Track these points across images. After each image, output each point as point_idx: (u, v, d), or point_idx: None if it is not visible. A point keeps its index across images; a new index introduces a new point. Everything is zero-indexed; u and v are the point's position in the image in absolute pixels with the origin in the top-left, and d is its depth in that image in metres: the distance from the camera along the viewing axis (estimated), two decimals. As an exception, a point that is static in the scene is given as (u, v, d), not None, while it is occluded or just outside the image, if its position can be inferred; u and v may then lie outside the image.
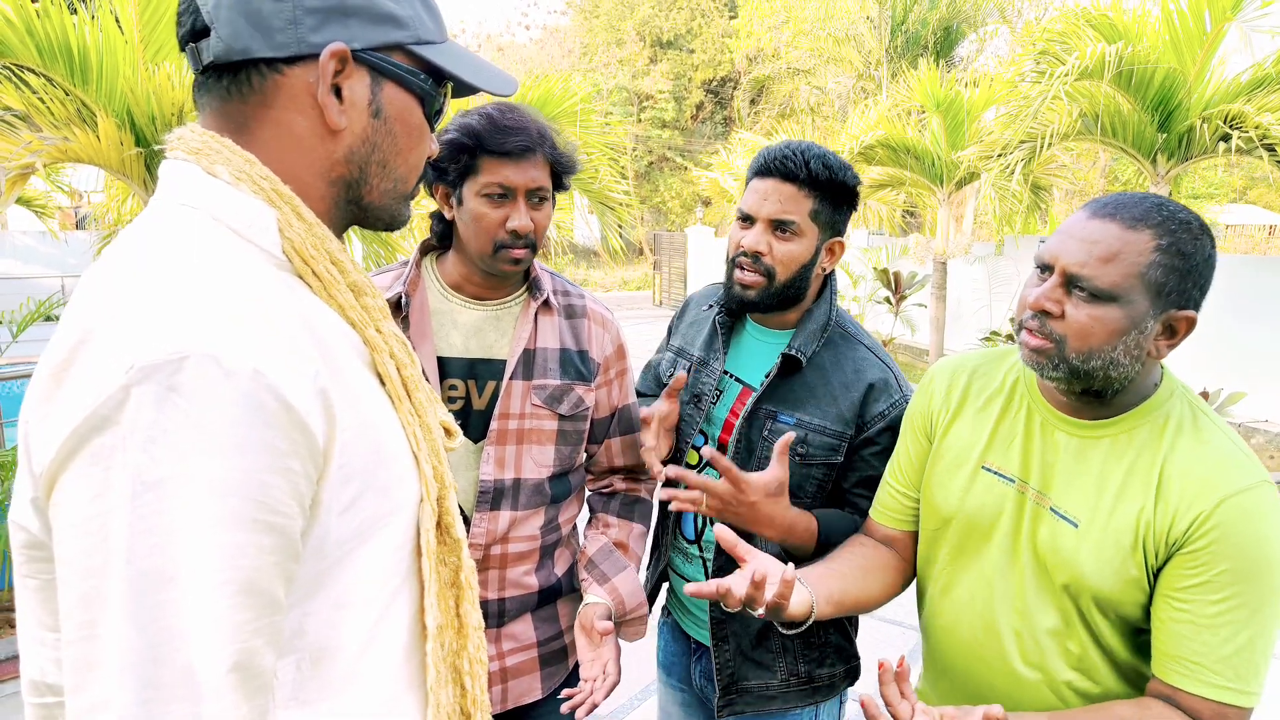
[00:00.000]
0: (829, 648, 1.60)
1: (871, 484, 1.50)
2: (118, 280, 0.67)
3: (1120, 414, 1.18)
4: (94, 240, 7.83)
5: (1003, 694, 1.25)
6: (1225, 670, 1.07)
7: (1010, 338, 8.67)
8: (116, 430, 0.59)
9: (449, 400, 1.47)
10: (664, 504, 1.65)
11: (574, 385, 1.51)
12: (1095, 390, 1.15)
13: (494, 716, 1.53)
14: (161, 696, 0.58)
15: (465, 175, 1.41)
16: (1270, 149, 6.14)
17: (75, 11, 3.59)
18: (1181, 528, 1.09)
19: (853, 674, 1.65)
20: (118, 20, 3.73)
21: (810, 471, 1.50)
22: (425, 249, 1.55)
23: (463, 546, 0.87)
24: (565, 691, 1.41)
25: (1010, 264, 10.87)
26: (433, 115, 0.86)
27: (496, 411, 1.45)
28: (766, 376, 1.53)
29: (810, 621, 1.22)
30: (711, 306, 1.67)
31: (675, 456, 1.64)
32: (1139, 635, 1.18)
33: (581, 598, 1.63)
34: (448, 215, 1.48)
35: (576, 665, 1.62)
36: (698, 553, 1.62)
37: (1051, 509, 1.19)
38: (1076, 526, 1.16)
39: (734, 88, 24.76)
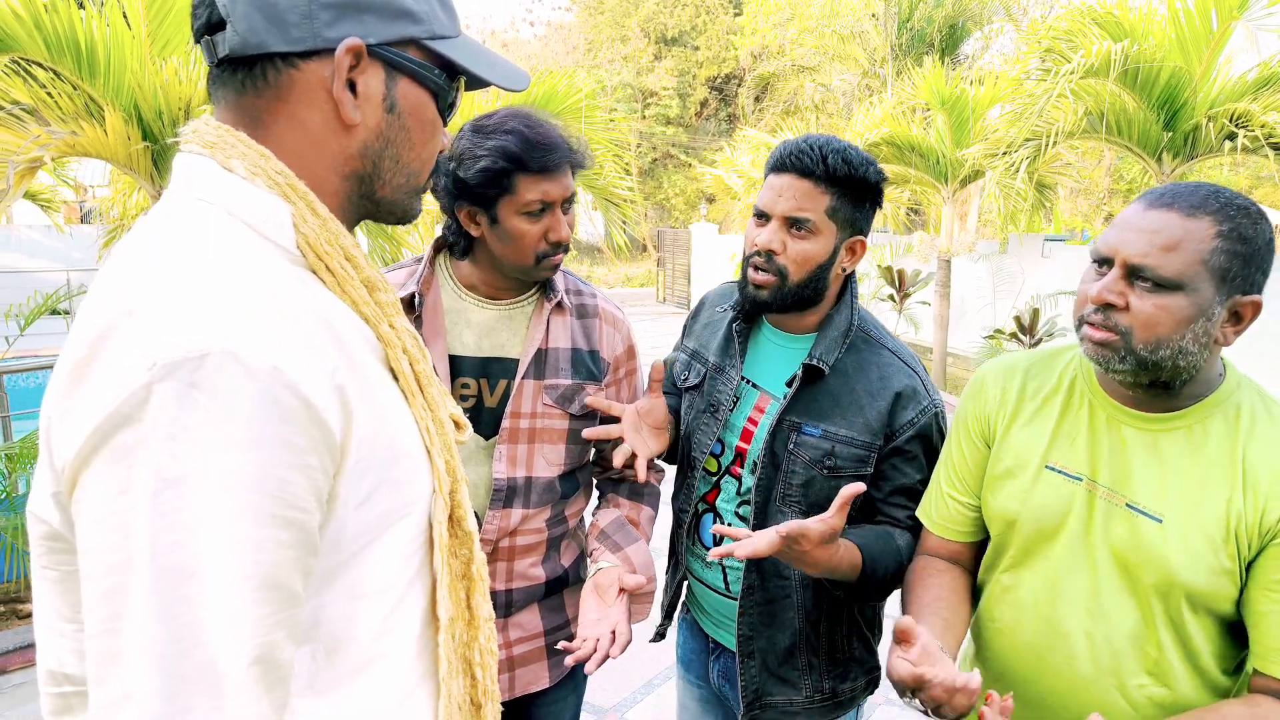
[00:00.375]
0: (852, 662, 1.57)
1: (904, 492, 1.47)
2: (137, 275, 0.67)
3: (1189, 405, 1.17)
4: (99, 234, 7.84)
5: (1067, 698, 1.22)
6: None
7: (1014, 336, 8.66)
8: (139, 427, 0.60)
9: (461, 399, 1.48)
10: (679, 512, 1.65)
11: (585, 385, 1.52)
12: (1164, 381, 1.14)
13: (501, 705, 1.54)
14: (185, 689, 0.59)
15: (500, 196, 1.39)
16: (1276, 148, 6.12)
17: (83, 6, 3.60)
18: (1275, 516, 1.09)
19: (873, 684, 1.62)
20: (125, 15, 3.74)
21: (839, 484, 1.42)
22: (439, 246, 1.56)
23: (474, 539, 0.88)
24: (563, 645, 1.36)
25: (1014, 262, 10.85)
26: (446, 110, 0.86)
27: (508, 410, 1.46)
28: (788, 387, 1.48)
29: None
30: (728, 309, 1.62)
31: (689, 464, 1.60)
32: (1229, 634, 1.16)
33: None
34: (474, 234, 1.46)
35: None
36: (717, 561, 1.59)
37: (1128, 505, 1.17)
38: (1160, 522, 1.14)
39: (738, 85, 24.71)
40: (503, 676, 1.52)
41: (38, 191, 10.07)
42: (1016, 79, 7.43)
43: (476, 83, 0.87)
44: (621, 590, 1.39)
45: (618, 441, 1.56)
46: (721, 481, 1.57)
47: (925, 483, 1.46)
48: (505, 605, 1.51)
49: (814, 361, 1.45)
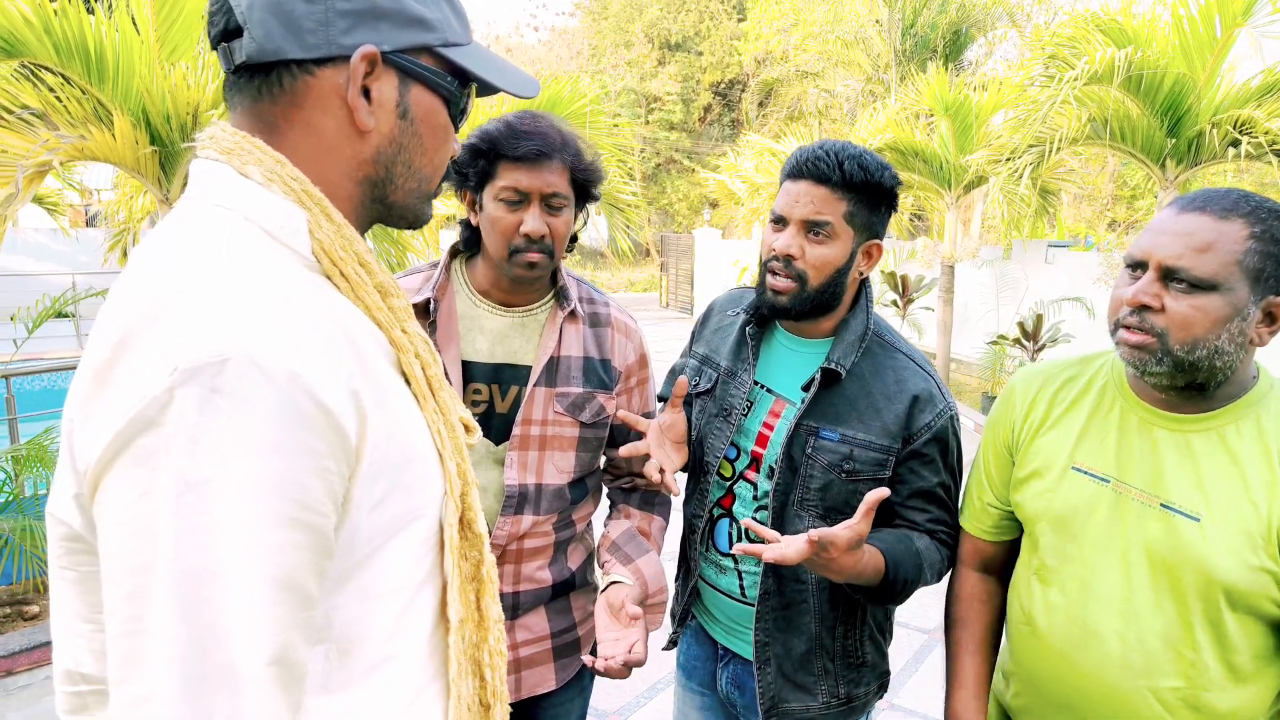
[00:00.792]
0: (866, 666, 1.58)
1: (922, 495, 1.48)
2: (157, 280, 0.68)
3: (1223, 406, 1.18)
4: (105, 238, 7.88)
5: (1097, 700, 1.23)
6: None
7: (1017, 342, 8.66)
8: (161, 431, 0.60)
9: (472, 404, 1.48)
10: (691, 518, 1.64)
11: (596, 393, 1.53)
12: (1199, 383, 1.16)
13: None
14: (205, 689, 0.60)
15: (485, 181, 1.43)
16: (1280, 155, 6.13)
17: (92, 11, 3.63)
18: None
19: (883, 688, 1.64)
20: (134, 20, 3.76)
21: (857, 488, 1.44)
22: (455, 252, 1.57)
23: (484, 542, 0.89)
24: (586, 658, 1.36)
25: (1018, 268, 10.84)
26: (457, 116, 0.88)
27: (519, 417, 1.47)
28: (804, 391, 1.48)
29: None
30: (739, 313, 1.62)
31: (702, 469, 1.60)
32: (1270, 635, 1.16)
33: (594, 589, 1.64)
34: (473, 221, 1.50)
35: None
36: (733, 565, 1.58)
37: (1163, 505, 1.18)
38: (1198, 521, 1.15)
39: (742, 90, 24.74)
40: (509, 678, 1.52)
41: (44, 195, 10.11)
42: (1020, 85, 7.43)
43: (487, 89, 0.88)
44: (634, 618, 1.35)
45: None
46: (736, 486, 1.57)
47: (942, 486, 1.48)
48: (512, 608, 1.52)
49: (832, 365, 1.45)
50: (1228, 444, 1.17)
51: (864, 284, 1.55)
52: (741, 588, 1.57)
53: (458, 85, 0.85)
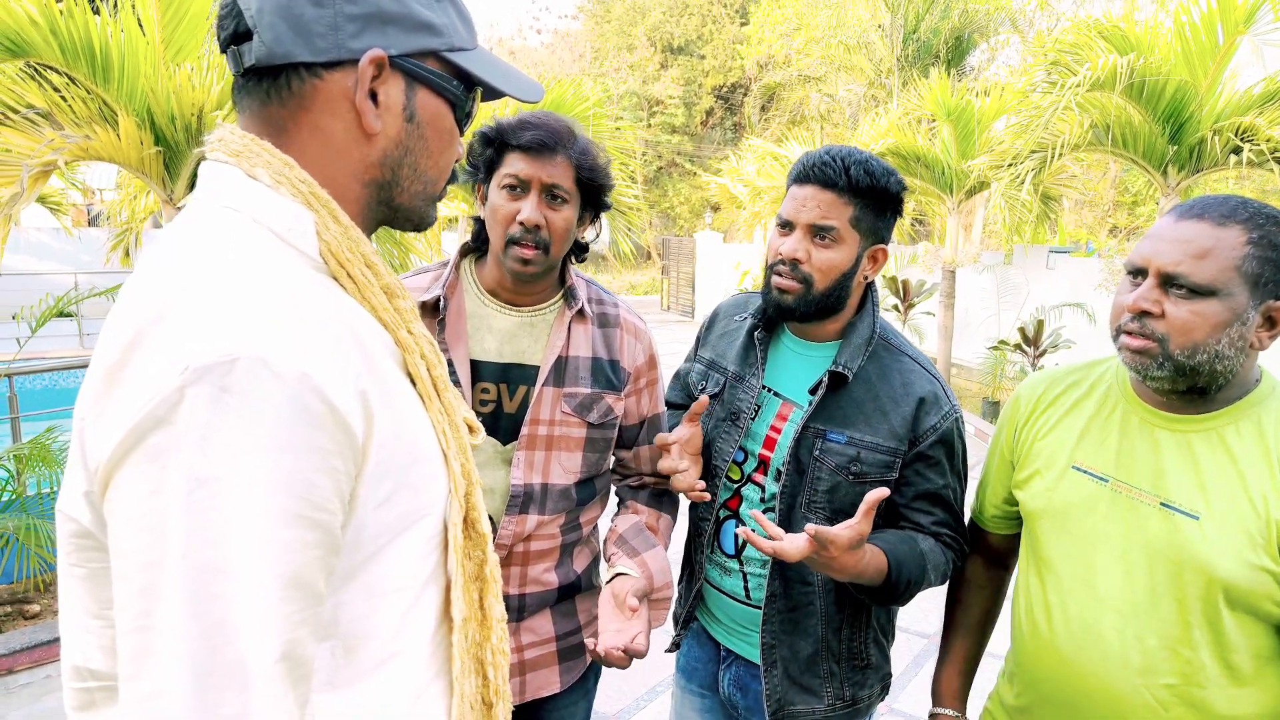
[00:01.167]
0: (870, 668, 1.59)
1: (928, 497, 1.49)
2: (167, 281, 0.69)
3: (1223, 408, 1.20)
4: (107, 237, 7.89)
5: (1097, 699, 1.24)
6: None
7: (1018, 347, 8.66)
8: (172, 429, 0.61)
9: (480, 403, 1.48)
10: (698, 520, 1.65)
11: (604, 394, 1.53)
12: (1200, 387, 1.18)
13: (513, 708, 1.54)
14: (214, 684, 0.60)
15: (491, 170, 1.46)
16: (1281, 162, 6.14)
17: (98, 12, 3.64)
18: None
19: (885, 690, 1.65)
20: (139, 21, 3.78)
21: (864, 490, 1.43)
22: (465, 251, 1.58)
23: (488, 541, 0.90)
24: (588, 641, 1.35)
25: (1019, 273, 10.86)
26: (463, 119, 0.89)
27: (527, 417, 1.47)
28: (812, 394, 1.49)
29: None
30: (746, 318, 1.63)
31: (710, 472, 1.61)
32: (1269, 635, 1.17)
33: (599, 591, 1.64)
34: (481, 213, 1.50)
35: (594, 661, 1.63)
36: (738, 567, 1.59)
37: (1163, 504, 1.20)
38: (1198, 519, 1.16)
39: (744, 94, 24.78)
40: (514, 680, 1.52)
41: (47, 195, 10.14)
42: (1022, 91, 7.45)
43: (492, 94, 0.89)
44: (634, 609, 1.35)
45: (649, 454, 1.65)
46: (743, 489, 1.58)
47: (948, 488, 1.50)
48: (518, 609, 1.52)
49: (839, 368, 1.47)
50: (1228, 444, 1.18)
51: (869, 288, 1.56)
52: (746, 590, 1.58)
53: (463, 89, 0.86)
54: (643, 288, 22.86)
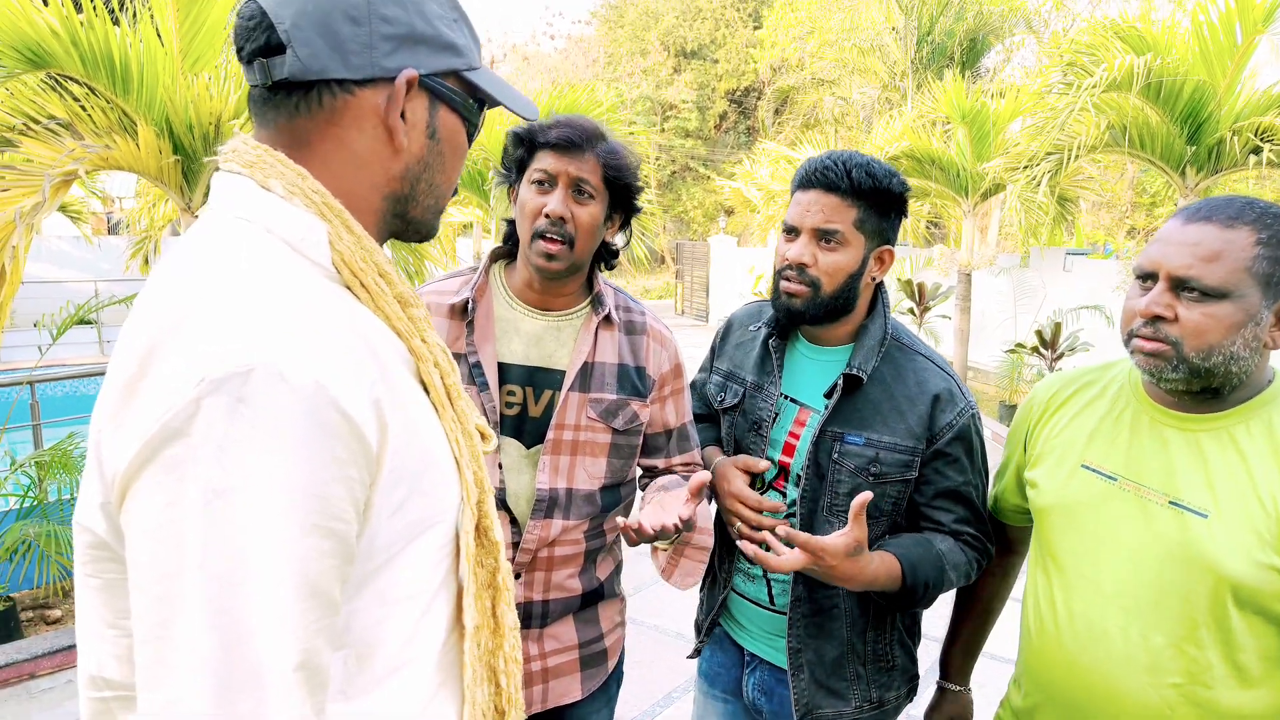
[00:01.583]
0: (896, 670, 1.59)
1: (947, 495, 1.49)
2: (182, 292, 0.69)
3: (1234, 408, 1.20)
4: (127, 245, 7.99)
5: (1102, 698, 1.23)
6: None
7: (1035, 350, 8.60)
8: (188, 441, 0.62)
9: (506, 405, 1.49)
10: (722, 530, 1.65)
11: (629, 400, 1.53)
12: (1214, 388, 1.18)
13: (534, 715, 1.55)
14: (233, 694, 0.61)
15: (522, 169, 1.49)
16: (1302, 162, 6.07)
17: (118, 23, 3.69)
18: None
19: (912, 692, 1.65)
20: (158, 31, 3.82)
21: (885, 490, 1.47)
22: (495, 256, 1.60)
23: (500, 549, 0.90)
24: (621, 521, 1.40)
25: (1036, 276, 10.78)
26: (472, 135, 0.91)
27: (553, 422, 1.48)
28: (827, 397, 1.50)
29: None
30: (761, 328, 1.65)
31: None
32: (1277, 635, 1.15)
33: (622, 600, 1.65)
34: (513, 213, 1.53)
35: (615, 668, 1.65)
36: (761, 573, 1.60)
37: (1172, 503, 1.19)
38: (1206, 517, 1.16)
39: (758, 98, 24.77)
40: (536, 687, 1.52)
41: (68, 203, 10.28)
42: (1038, 92, 7.40)
43: (491, 106, 0.92)
44: (692, 498, 1.34)
45: (681, 464, 1.66)
46: (765, 496, 1.59)
47: (968, 485, 1.51)
48: (541, 615, 1.52)
49: (853, 371, 1.48)
50: (1238, 443, 1.18)
51: (879, 289, 1.57)
52: (771, 596, 1.58)
53: (477, 107, 0.89)
54: (656, 292, 22.87)
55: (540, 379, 1.50)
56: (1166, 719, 1.18)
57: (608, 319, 1.54)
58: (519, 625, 0.94)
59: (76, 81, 3.64)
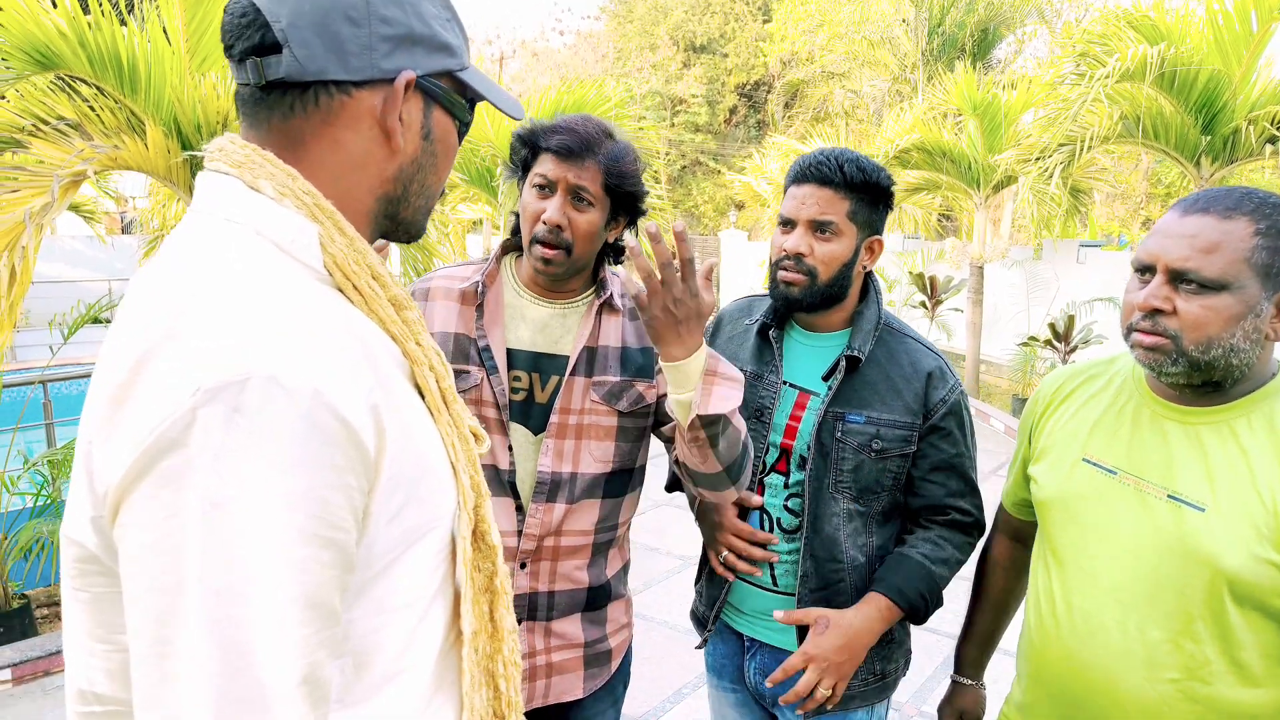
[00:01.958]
0: (894, 643, 1.65)
1: (942, 468, 1.57)
2: (173, 298, 0.68)
3: (1236, 400, 1.19)
4: (139, 245, 8.03)
5: (1100, 694, 1.23)
6: None
7: (1048, 343, 8.54)
8: (185, 452, 0.60)
9: (514, 390, 1.52)
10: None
11: (634, 382, 1.54)
12: (1215, 381, 1.17)
13: (535, 711, 1.56)
14: (236, 710, 0.59)
15: (526, 169, 1.52)
16: (1319, 152, 5.99)
17: (125, 23, 3.69)
18: None
19: (906, 664, 1.71)
20: (165, 31, 3.82)
21: (886, 465, 1.56)
22: (507, 248, 1.62)
23: (497, 553, 0.89)
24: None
25: (1048, 268, 10.69)
26: (463, 135, 0.91)
27: (557, 406, 1.50)
28: (826, 380, 1.57)
29: None
30: (757, 319, 1.70)
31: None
32: (1277, 631, 1.14)
33: (628, 600, 1.67)
34: (519, 210, 1.56)
35: (620, 668, 1.66)
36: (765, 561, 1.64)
37: (1170, 496, 1.19)
38: (1203, 511, 1.15)
39: (768, 92, 24.66)
40: (539, 682, 1.54)
41: (80, 203, 10.33)
42: (1050, 83, 7.33)
43: (479, 101, 0.91)
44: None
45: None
46: (766, 479, 1.64)
47: (960, 456, 1.57)
48: (547, 608, 1.53)
49: (853, 352, 1.55)
50: (1238, 437, 1.17)
51: (869, 277, 1.65)
52: (773, 578, 1.63)
53: (468, 107, 0.88)
54: (667, 287, 22.77)
55: (546, 365, 1.53)
56: (1164, 715, 1.17)
57: (610, 304, 1.56)
58: (517, 629, 0.93)
59: (85, 82, 3.65)
